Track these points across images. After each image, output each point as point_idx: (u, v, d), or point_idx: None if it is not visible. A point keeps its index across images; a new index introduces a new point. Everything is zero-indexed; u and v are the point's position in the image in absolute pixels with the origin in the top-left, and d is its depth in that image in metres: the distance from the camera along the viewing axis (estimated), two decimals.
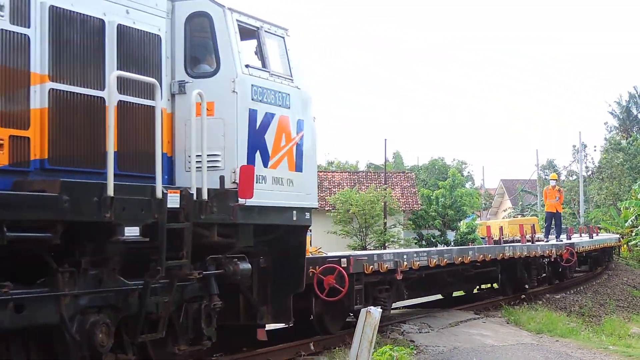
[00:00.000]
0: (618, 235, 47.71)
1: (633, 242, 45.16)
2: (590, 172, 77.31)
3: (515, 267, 27.13)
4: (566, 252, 30.56)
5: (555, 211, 33.83)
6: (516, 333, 20.91)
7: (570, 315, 26.79)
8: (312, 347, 15.86)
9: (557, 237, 34.45)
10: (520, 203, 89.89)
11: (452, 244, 55.76)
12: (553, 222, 34.78)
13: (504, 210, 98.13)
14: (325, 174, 63.69)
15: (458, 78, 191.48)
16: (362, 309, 13.33)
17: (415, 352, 15.53)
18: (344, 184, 58.91)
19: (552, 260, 30.37)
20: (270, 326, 16.29)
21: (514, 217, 79.72)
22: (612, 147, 68.98)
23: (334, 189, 57.17)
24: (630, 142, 67.99)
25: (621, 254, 49.92)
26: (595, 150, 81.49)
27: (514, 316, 23.53)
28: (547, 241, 32.81)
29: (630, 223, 46.22)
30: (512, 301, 26.49)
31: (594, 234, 43.10)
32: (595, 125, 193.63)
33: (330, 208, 52.96)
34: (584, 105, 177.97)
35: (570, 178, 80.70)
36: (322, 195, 57.04)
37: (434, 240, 57.21)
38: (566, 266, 31.67)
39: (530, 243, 31.33)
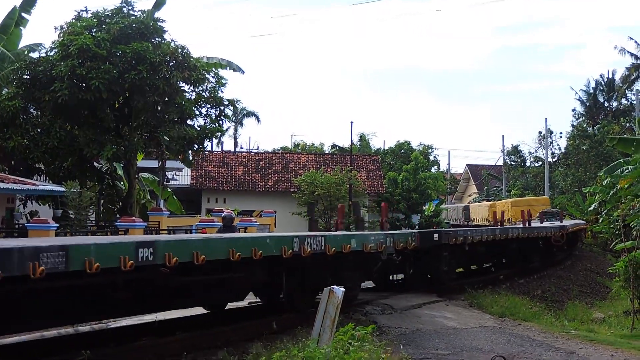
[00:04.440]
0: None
1: (597, 228, 45.28)
2: (556, 158, 77.43)
3: None
4: None
5: None
6: (479, 316, 20.93)
7: (533, 300, 26.91)
8: (274, 326, 15.79)
9: None
10: (486, 188, 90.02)
11: (417, 227, 55.77)
12: None
13: (469, 195, 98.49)
14: (290, 155, 63.50)
15: (424, 63, 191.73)
16: (325, 289, 13.23)
17: (377, 332, 15.45)
18: (310, 165, 58.64)
19: None
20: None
21: (479, 202, 79.82)
22: (579, 134, 69.23)
23: (300, 171, 56.92)
24: (597, 129, 68.27)
25: (585, 241, 50.20)
26: (560, 137, 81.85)
27: (477, 300, 23.56)
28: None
29: (594, 209, 46.38)
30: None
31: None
32: (564, 111, 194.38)
33: (296, 190, 52.76)
34: (553, 91, 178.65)
35: (536, 164, 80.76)
36: (287, 176, 56.92)
37: (398, 224, 57.17)
38: None
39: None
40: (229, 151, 69.67)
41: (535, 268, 34.40)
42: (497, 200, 70.08)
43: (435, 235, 24.32)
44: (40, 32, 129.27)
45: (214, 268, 14.17)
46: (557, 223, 40.39)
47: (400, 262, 23.26)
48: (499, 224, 32.32)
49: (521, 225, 35.94)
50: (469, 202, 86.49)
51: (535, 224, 39.97)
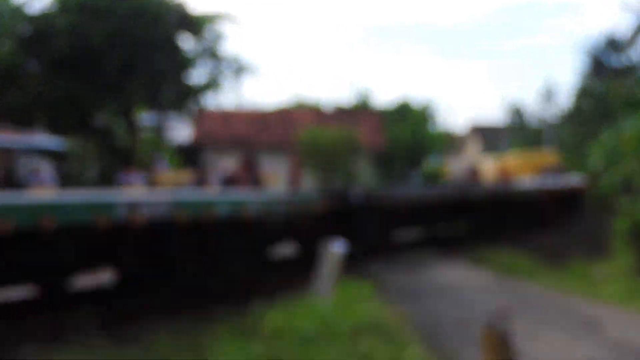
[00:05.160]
0: None
1: (599, 186, 45.15)
2: (560, 117, 77.17)
3: None
4: None
5: None
6: (478, 272, 20.95)
7: (533, 257, 26.89)
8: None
9: None
10: (487, 145, 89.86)
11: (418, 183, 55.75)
12: None
13: (471, 153, 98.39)
14: (291, 112, 63.34)
15: (426, 19, 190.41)
16: (324, 246, 13.21)
17: (377, 288, 15.46)
18: (310, 122, 58.45)
19: None
20: None
21: (484, 158, 79.57)
22: (583, 93, 68.88)
23: (301, 128, 56.78)
24: (601, 88, 67.91)
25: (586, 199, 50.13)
26: (564, 96, 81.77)
27: (476, 256, 23.57)
28: None
29: (596, 167, 46.33)
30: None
31: None
32: (568, 71, 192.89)
33: (296, 146, 52.62)
34: (552, 49, 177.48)
35: (537, 127, 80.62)
36: (288, 133, 56.81)
37: (397, 181, 57.06)
38: None
39: None
40: (229, 109, 69.55)
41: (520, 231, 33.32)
42: (504, 156, 69.83)
43: (353, 196, 20.23)
44: None
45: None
46: (554, 181, 39.96)
47: (312, 230, 18.17)
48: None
49: (498, 184, 34.60)
50: (472, 159, 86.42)
51: (535, 181, 39.60)
